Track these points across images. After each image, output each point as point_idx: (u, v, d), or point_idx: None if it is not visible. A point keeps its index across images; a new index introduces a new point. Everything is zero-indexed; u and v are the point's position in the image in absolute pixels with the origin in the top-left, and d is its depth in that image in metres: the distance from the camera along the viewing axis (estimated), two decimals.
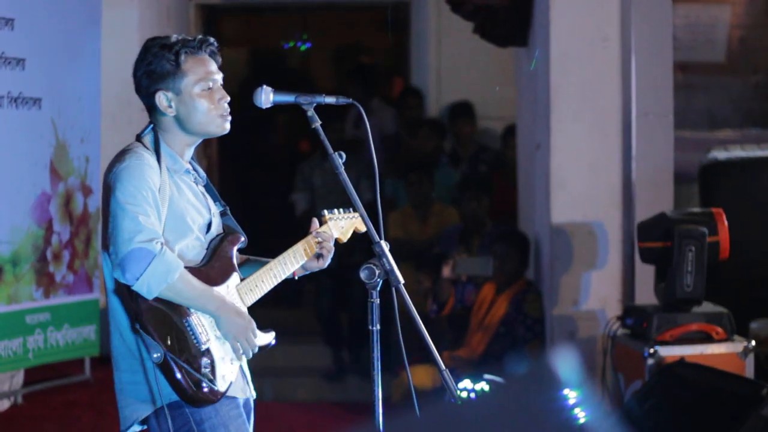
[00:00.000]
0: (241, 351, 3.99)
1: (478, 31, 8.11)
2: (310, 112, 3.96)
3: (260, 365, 8.49)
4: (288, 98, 3.99)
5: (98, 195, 7.63)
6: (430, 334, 3.85)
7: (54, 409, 7.83)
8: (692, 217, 6.44)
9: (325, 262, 4.27)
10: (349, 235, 4.34)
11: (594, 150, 7.43)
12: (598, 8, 7.42)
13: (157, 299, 3.82)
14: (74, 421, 7.58)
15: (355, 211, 4.25)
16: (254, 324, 4.02)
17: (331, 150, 3.92)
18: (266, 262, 4.15)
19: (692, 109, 8.21)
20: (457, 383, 6.44)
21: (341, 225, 4.31)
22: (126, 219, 3.80)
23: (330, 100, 4.00)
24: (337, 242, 4.32)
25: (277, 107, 4.03)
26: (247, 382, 4.12)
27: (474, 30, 8.16)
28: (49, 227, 7.73)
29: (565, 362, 1.58)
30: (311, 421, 7.79)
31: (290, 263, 4.16)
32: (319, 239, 4.24)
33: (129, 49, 8.40)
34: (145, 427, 3.98)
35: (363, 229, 4.30)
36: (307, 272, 4.27)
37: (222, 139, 11.02)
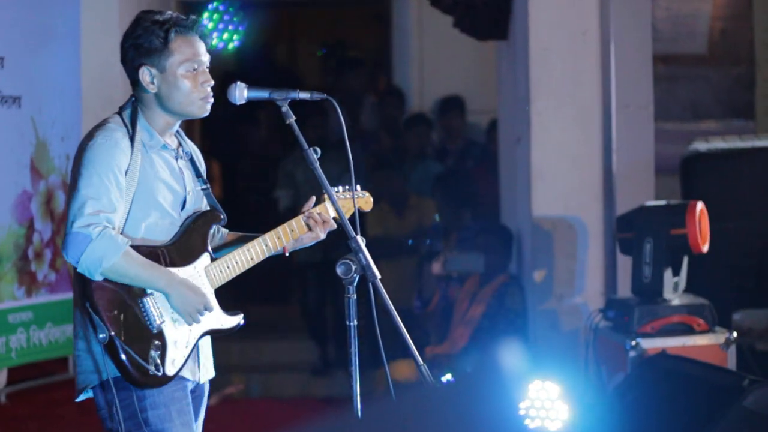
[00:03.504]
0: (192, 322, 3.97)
1: (458, 25, 8.11)
2: (285, 108, 3.96)
3: (247, 362, 8.52)
4: (262, 94, 4.00)
5: None
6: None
7: (38, 408, 7.81)
8: (665, 209, 6.44)
9: (319, 235, 4.19)
10: (351, 212, 4.21)
11: (574, 143, 7.43)
12: (576, 1, 7.43)
13: (108, 279, 3.82)
14: (58, 420, 7.56)
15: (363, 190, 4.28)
16: (209, 301, 3.97)
17: (305, 146, 3.93)
18: (256, 237, 4.12)
19: (674, 101, 8.21)
20: (438, 377, 6.44)
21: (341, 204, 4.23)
22: (74, 201, 3.82)
23: (304, 95, 3.99)
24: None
25: (257, 103, 4.03)
26: (199, 366, 4.06)
27: (454, 24, 8.16)
28: (31, 226, 7.71)
29: (513, 358, 1.58)
30: (299, 416, 7.78)
31: (270, 245, 4.11)
32: (311, 220, 4.18)
33: (109, 45, 8.39)
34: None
35: (368, 208, 4.30)
36: (298, 247, 4.21)
37: (205, 134, 11.03)
